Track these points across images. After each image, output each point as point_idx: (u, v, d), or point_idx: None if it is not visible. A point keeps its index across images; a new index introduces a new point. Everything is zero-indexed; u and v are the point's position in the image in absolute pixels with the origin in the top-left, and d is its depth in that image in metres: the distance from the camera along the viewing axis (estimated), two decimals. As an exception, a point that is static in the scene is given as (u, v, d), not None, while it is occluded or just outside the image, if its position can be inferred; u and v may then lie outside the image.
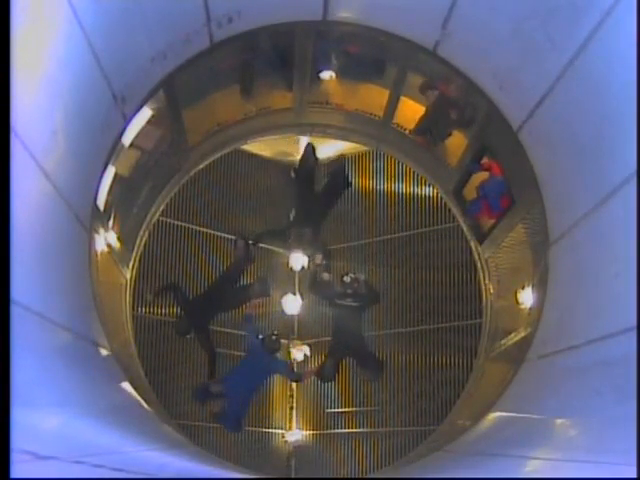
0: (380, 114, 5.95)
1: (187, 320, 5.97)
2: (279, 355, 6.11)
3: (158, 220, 6.18)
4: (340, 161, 6.93)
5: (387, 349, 6.62)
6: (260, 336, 5.95)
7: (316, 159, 6.56)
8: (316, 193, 6.47)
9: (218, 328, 6.46)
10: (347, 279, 5.93)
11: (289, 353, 6.74)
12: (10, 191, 2.12)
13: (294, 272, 6.90)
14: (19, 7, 2.13)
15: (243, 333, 6.39)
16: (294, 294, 6.83)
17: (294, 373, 6.24)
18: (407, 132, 6.08)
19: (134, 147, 4.89)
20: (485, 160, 5.40)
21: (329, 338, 6.59)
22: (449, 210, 6.40)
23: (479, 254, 5.97)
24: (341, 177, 6.67)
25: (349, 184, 6.75)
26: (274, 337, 5.89)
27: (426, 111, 5.82)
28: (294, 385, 6.86)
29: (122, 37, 3.42)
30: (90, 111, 3.42)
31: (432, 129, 5.92)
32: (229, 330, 6.60)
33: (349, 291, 5.89)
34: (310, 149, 6.48)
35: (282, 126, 6.27)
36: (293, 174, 6.50)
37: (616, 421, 2.43)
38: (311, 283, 6.18)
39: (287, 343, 6.81)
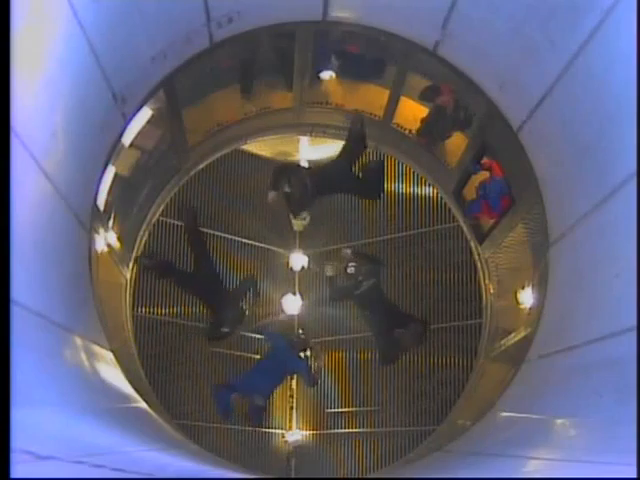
0: (380, 114, 5.95)
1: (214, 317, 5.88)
2: (302, 355, 6.03)
3: (158, 220, 6.18)
4: (359, 118, 5.83)
5: (387, 349, 6.61)
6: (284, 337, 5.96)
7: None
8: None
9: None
10: (351, 270, 5.87)
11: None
12: (10, 191, 2.12)
13: (294, 272, 6.90)
14: (19, 7, 2.13)
15: (258, 336, 6.46)
16: (294, 294, 6.83)
17: (312, 377, 6.16)
18: (407, 132, 6.07)
19: (134, 147, 4.89)
20: (485, 160, 5.40)
21: (329, 338, 6.60)
22: (449, 210, 6.40)
23: (479, 254, 5.98)
24: (359, 136, 5.94)
25: (365, 146, 5.98)
26: (302, 336, 5.88)
27: (428, 114, 5.83)
28: (294, 385, 6.86)
29: (122, 37, 3.42)
30: (90, 111, 3.42)
31: (433, 130, 5.93)
32: (245, 333, 6.63)
33: (360, 278, 5.81)
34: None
35: (282, 126, 6.27)
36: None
37: (616, 421, 2.43)
38: (331, 294, 6.12)
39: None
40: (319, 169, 6.08)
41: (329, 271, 5.96)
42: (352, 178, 5.90)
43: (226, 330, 5.83)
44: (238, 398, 5.72)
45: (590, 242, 3.43)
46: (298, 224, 6.84)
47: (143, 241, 5.96)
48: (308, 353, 6.00)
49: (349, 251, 6.03)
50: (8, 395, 1.79)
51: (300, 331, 6.03)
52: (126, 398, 4.08)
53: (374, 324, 5.95)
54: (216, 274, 5.99)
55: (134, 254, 5.81)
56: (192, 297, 6.29)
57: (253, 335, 6.68)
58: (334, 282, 6.00)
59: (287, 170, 5.77)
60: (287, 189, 5.65)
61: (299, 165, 6.41)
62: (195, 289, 5.92)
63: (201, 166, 6.20)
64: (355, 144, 5.76)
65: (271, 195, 5.65)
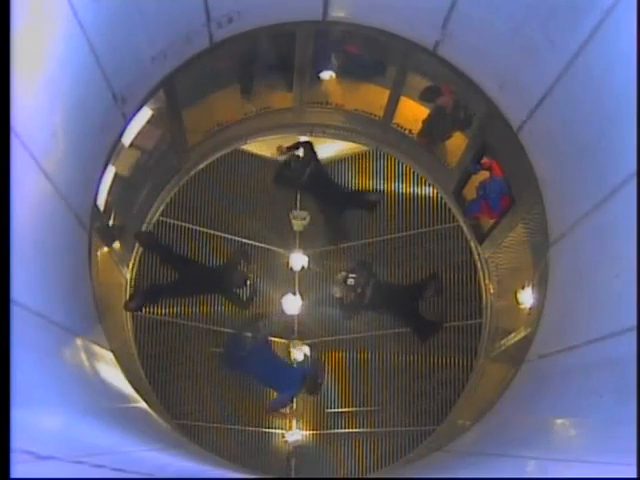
0: (380, 114, 5.95)
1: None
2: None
3: (158, 220, 6.18)
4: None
5: (387, 349, 6.61)
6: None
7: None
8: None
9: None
10: (351, 282, 5.92)
11: (289, 353, 6.74)
12: (10, 191, 2.12)
13: (294, 272, 6.90)
14: (19, 7, 2.13)
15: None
16: (294, 294, 6.83)
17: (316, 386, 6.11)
18: (407, 132, 6.08)
19: (134, 147, 4.89)
20: (485, 160, 5.40)
21: (329, 338, 6.60)
22: (449, 210, 6.40)
23: (479, 254, 5.98)
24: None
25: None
26: (319, 382, 5.76)
27: (428, 114, 5.83)
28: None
29: (122, 37, 3.42)
30: (90, 111, 3.42)
31: (433, 130, 5.93)
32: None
33: (359, 289, 5.87)
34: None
35: (282, 126, 6.27)
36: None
37: (616, 421, 2.43)
38: (344, 314, 6.27)
39: (287, 343, 6.81)
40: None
41: (337, 293, 6.08)
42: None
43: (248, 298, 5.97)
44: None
45: (590, 242, 3.43)
46: (298, 224, 6.84)
47: (143, 241, 5.95)
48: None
49: (342, 274, 6.08)
50: (8, 395, 1.79)
51: (319, 379, 5.91)
52: (126, 398, 4.08)
53: (398, 314, 6.17)
54: (205, 269, 6.01)
55: (134, 254, 5.81)
56: (193, 297, 6.28)
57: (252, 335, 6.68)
58: (343, 301, 6.10)
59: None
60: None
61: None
62: (190, 288, 5.91)
63: (201, 166, 6.20)
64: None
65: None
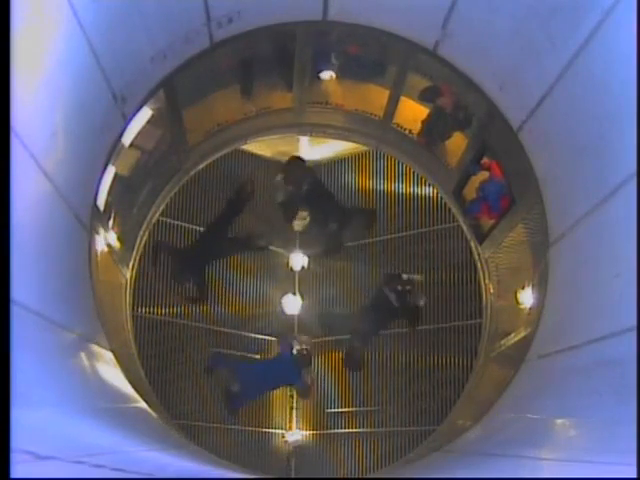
0: (380, 114, 5.95)
1: (181, 266, 6.03)
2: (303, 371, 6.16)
3: (158, 220, 6.18)
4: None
5: (387, 349, 6.61)
6: (294, 350, 6.08)
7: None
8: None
9: (236, 331, 6.58)
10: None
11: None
12: (10, 191, 2.12)
13: (294, 272, 6.90)
14: (19, 7, 2.13)
15: (259, 337, 6.54)
16: (294, 294, 6.83)
17: (306, 391, 6.26)
18: (407, 132, 6.07)
19: (134, 147, 4.88)
20: (485, 160, 5.40)
21: (329, 338, 6.60)
22: (449, 210, 6.40)
23: (479, 254, 5.97)
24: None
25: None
26: (305, 351, 5.98)
27: (428, 115, 5.83)
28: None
29: (122, 37, 3.42)
30: (90, 111, 3.42)
31: (433, 131, 5.93)
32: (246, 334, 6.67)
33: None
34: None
35: (282, 126, 6.27)
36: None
37: (616, 421, 2.43)
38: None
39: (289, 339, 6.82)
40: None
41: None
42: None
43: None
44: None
45: (590, 242, 3.43)
46: (298, 224, 6.84)
47: (143, 241, 5.95)
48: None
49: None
50: (8, 395, 1.79)
51: (306, 347, 6.06)
52: (126, 398, 4.08)
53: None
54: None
55: (134, 254, 5.80)
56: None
57: (254, 335, 6.69)
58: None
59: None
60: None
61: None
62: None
63: (201, 166, 6.19)
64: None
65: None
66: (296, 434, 6.75)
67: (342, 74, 5.84)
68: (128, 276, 5.68)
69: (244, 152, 6.84)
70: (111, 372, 4.01)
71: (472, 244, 6.08)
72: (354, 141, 6.57)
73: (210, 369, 6.16)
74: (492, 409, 4.30)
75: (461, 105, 5.42)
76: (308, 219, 6.80)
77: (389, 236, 6.89)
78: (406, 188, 6.87)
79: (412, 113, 5.87)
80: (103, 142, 3.92)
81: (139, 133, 4.70)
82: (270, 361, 6.02)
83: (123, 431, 3.15)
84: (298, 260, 6.80)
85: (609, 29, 2.82)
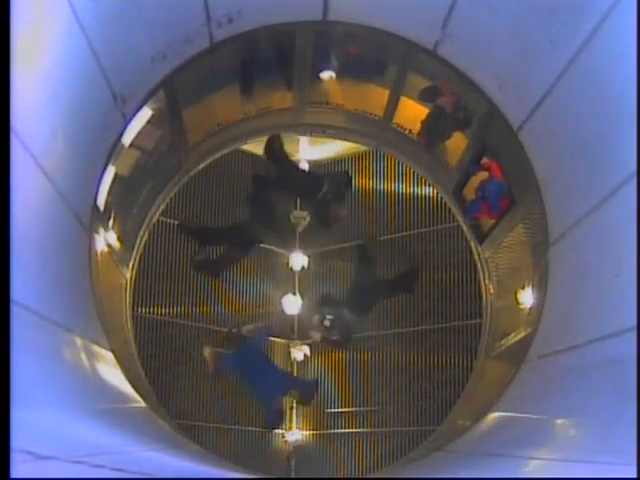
0: (380, 114, 5.95)
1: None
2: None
3: (158, 220, 6.18)
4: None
5: (387, 349, 6.62)
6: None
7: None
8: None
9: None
10: (327, 323, 6.08)
11: (289, 353, 6.74)
12: (10, 191, 2.12)
13: (294, 272, 6.90)
14: (19, 7, 2.13)
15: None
16: (294, 294, 6.83)
17: (308, 399, 6.27)
18: (407, 132, 6.08)
19: (134, 147, 4.88)
20: (485, 160, 5.40)
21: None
22: (449, 210, 6.40)
23: (479, 254, 5.97)
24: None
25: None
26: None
27: (428, 115, 5.83)
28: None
29: (122, 36, 3.42)
30: (90, 111, 3.42)
31: (433, 131, 5.93)
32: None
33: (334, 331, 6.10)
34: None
35: (282, 126, 6.27)
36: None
37: (616, 421, 2.43)
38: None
39: (287, 343, 6.82)
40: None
41: (317, 337, 6.27)
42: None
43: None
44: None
45: (590, 242, 3.43)
46: (297, 218, 6.85)
47: (143, 241, 5.95)
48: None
49: (316, 317, 6.23)
50: (8, 395, 1.79)
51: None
52: (126, 398, 4.07)
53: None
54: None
55: (134, 254, 5.80)
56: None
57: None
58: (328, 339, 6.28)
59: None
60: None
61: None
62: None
63: (201, 166, 6.19)
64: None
65: None
66: (296, 434, 6.75)
67: (342, 74, 5.84)
68: (128, 276, 5.68)
69: (244, 152, 6.84)
70: (111, 372, 4.01)
71: (472, 244, 6.08)
72: (354, 141, 6.57)
73: (218, 373, 6.07)
74: (492, 409, 4.30)
75: (461, 105, 5.42)
76: (308, 219, 6.80)
77: (389, 236, 6.89)
78: (406, 188, 6.87)
79: (412, 113, 5.87)
80: (103, 142, 3.92)
81: (139, 133, 4.69)
82: (272, 367, 5.92)
83: (123, 431, 3.15)
84: (298, 260, 6.80)
85: (609, 29, 2.82)
